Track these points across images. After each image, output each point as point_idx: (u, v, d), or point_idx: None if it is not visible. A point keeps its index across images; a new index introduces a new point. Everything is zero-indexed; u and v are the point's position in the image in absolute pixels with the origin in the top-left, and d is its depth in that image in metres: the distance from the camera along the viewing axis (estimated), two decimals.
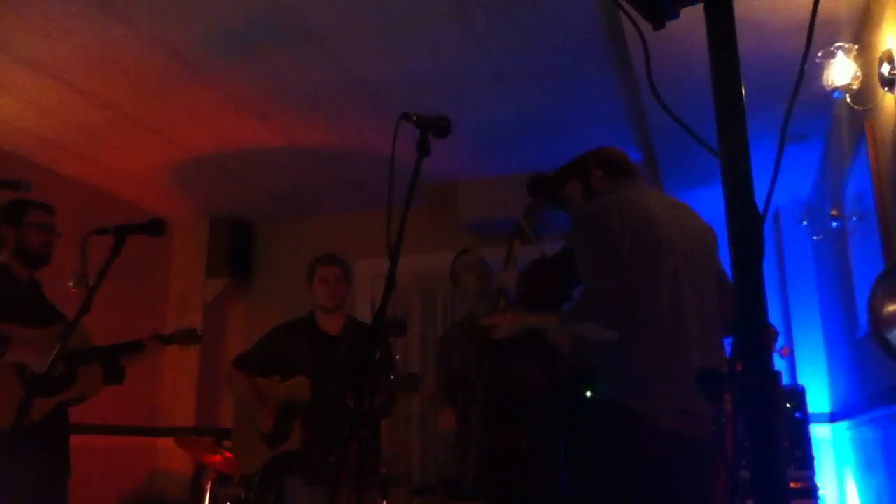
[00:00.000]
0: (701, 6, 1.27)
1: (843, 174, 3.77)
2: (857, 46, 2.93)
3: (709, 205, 5.28)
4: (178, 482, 5.76)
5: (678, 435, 2.10)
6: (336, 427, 3.43)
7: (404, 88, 4.19)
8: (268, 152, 5.14)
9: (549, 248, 2.79)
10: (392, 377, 3.25)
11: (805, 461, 3.90)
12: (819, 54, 2.92)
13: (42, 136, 4.79)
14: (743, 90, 1.35)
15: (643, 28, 1.49)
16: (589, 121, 4.60)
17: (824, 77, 2.95)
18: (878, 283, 1.18)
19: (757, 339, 1.24)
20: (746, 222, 1.31)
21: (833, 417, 4.89)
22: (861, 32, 3.13)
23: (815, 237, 4.35)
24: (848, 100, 2.96)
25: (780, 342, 4.87)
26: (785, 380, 4.92)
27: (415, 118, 2.11)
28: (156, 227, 2.56)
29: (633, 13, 1.35)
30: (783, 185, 5.04)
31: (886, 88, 2.73)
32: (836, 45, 2.89)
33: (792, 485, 3.82)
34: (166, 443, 5.81)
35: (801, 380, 4.96)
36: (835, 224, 4.03)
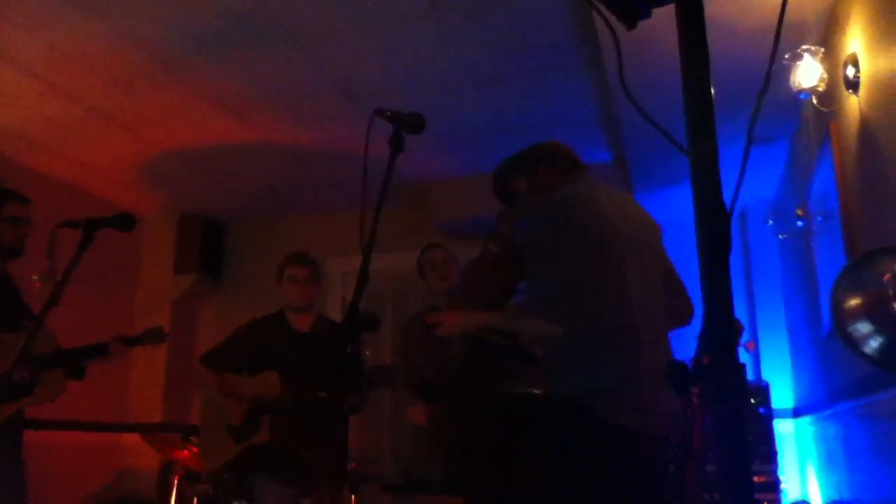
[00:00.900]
0: (672, 7, 1.29)
1: (809, 175, 3.84)
2: (823, 49, 2.99)
3: (677, 204, 5.39)
4: (145, 479, 5.70)
5: (629, 430, 2.11)
6: (305, 423, 3.43)
7: (379, 88, 4.19)
8: (241, 150, 5.11)
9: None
10: (364, 371, 3.26)
11: (769, 455, 3.97)
12: (786, 56, 2.97)
13: (12, 131, 4.73)
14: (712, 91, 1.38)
15: (616, 28, 1.52)
16: (561, 122, 4.64)
17: (791, 79, 3.00)
18: (840, 277, 1.21)
19: (724, 334, 1.27)
20: (714, 220, 1.34)
21: (796, 413, 4.98)
22: (827, 35, 3.19)
23: (780, 236, 4.42)
24: (814, 101, 3.02)
25: (745, 337, 4.95)
26: (750, 376, 5.00)
27: (388, 114, 2.12)
28: (125, 221, 2.52)
29: (606, 13, 1.37)
30: (750, 185, 5.12)
31: (851, 91, 2.79)
32: (803, 47, 2.94)
33: (756, 479, 3.89)
34: (134, 440, 5.74)
35: (766, 376, 5.05)
36: (800, 223, 4.10)
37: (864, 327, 1.14)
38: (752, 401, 4.09)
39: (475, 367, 2.82)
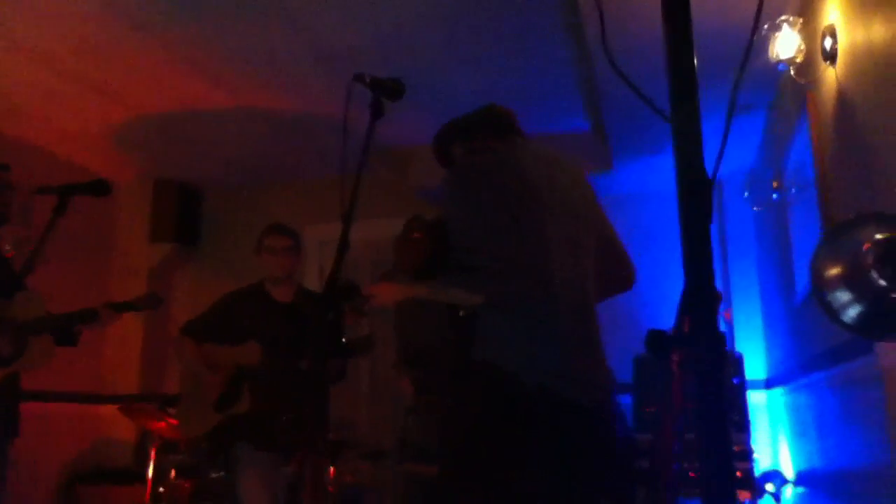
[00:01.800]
0: None
1: (785, 146, 3.87)
2: (801, 20, 2.99)
3: (657, 174, 5.41)
4: (121, 449, 5.71)
5: (550, 396, 2.10)
6: (285, 393, 3.43)
7: (357, 54, 4.15)
8: (217, 116, 5.04)
9: None
10: (343, 340, 3.26)
11: (742, 425, 4.04)
12: (765, 26, 2.97)
13: None
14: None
15: None
16: (540, 88, 4.62)
17: (769, 49, 3.01)
18: (820, 245, 1.22)
19: (705, 302, 1.28)
20: (695, 188, 1.35)
21: (769, 383, 5.06)
22: (805, 6, 3.19)
23: (755, 208, 4.45)
24: (792, 72, 3.02)
25: (722, 306, 5.01)
26: None
27: (368, 80, 2.11)
28: (101, 187, 2.52)
29: None
30: (726, 156, 5.13)
31: (828, 62, 2.80)
32: (782, 18, 2.94)
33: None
34: (110, 410, 5.72)
35: (739, 347, 5.11)
36: (775, 196, 4.13)
37: (843, 296, 1.15)
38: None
39: (453, 338, 2.84)
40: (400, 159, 5.52)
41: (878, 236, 1.11)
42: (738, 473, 3.76)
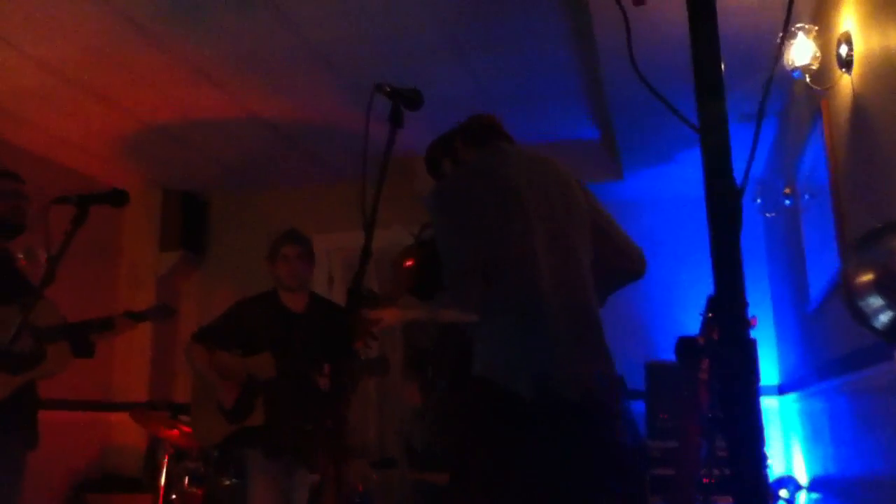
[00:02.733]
0: None
1: (798, 153, 3.86)
2: (816, 27, 3.00)
3: (666, 182, 5.41)
4: (131, 457, 5.70)
5: (546, 404, 2.09)
6: (300, 405, 3.43)
7: (362, 59, 4.15)
8: (222, 122, 5.05)
9: None
10: (361, 359, 3.25)
11: None
12: (780, 34, 2.98)
13: None
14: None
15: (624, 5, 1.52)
16: (547, 95, 4.61)
17: (784, 57, 3.01)
18: (851, 253, 1.23)
19: (734, 310, 1.28)
20: (725, 195, 1.35)
21: (781, 390, 5.05)
22: (820, 14, 3.20)
23: (767, 214, 4.44)
24: (807, 80, 3.03)
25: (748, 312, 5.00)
26: None
27: (388, 89, 2.11)
28: (119, 197, 2.53)
29: None
30: (735, 163, 5.14)
31: (844, 69, 2.80)
32: (797, 25, 2.95)
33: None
34: (119, 417, 5.72)
35: None
36: (787, 202, 4.12)
37: (874, 301, 1.15)
38: None
39: (445, 352, 2.85)
40: (404, 167, 5.52)
41: None
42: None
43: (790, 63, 3.03)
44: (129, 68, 4.28)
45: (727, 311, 1.24)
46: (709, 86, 1.36)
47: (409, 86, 2.17)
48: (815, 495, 4.13)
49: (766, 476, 1.17)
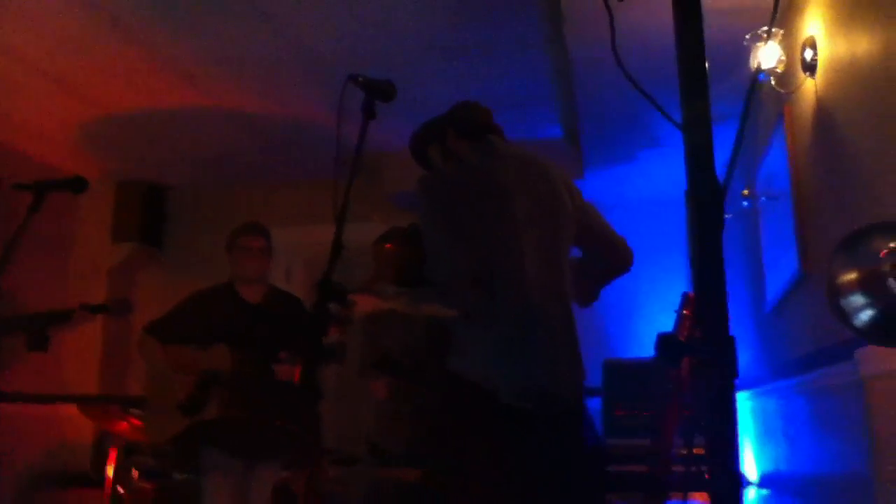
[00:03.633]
0: None
1: (758, 155, 3.92)
2: (782, 31, 3.04)
3: (629, 183, 5.45)
4: (81, 453, 5.57)
5: (518, 408, 2.10)
6: (258, 398, 3.38)
7: (338, 56, 4.10)
8: (188, 115, 4.96)
9: None
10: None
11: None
12: (747, 37, 3.02)
13: None
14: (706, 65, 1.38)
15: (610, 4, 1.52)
16: (517, 97, 4.61)
17: (751, 60, 3.05)
18: (835, 253, 1.24)
19: (716, 308, 1.28)
20: (707, 194, 1.35)
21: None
22: (786, 18, 3.24)
23: (726, 215, 4.51)
24: (773, 83, 3.07)
25: None
26: None
27: (361, 80, 2.09)
28: (77, 183, 2.47)
29: None
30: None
31: (808, 73, 2.85)
32: (763, 28, 2.99)
33: (696, 451, 3.97)
34: (69, 412, 5.55)
35: None
36: (745, 203, 4.19)
37: (857, 300, 1.17)
38: None
39: (435, 348, 2.83)
40: (374, 164, 5.48)
41: (893, 244, 1.13)
42: (705, 475, 3.79)
43: (756, 66, 3.07)
44: (96, 57, 4.18)
45: (710, 308, 1.24)
46: (693, 84, 1.36)
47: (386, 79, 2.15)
48: (764, 491, 4.21)
49: (739, 472, 1.18)
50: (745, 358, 5.00)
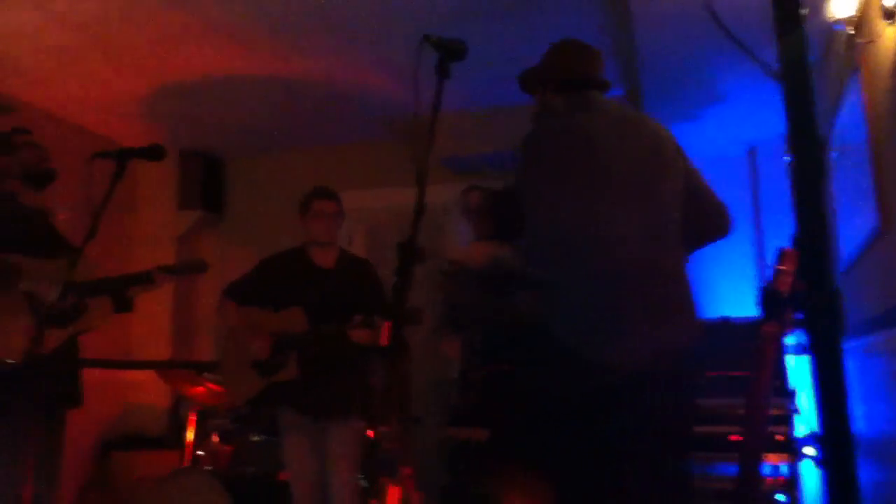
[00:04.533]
0: None
1: (831, 108, 3.81)
2: None
3: (691, 140, 5.33)
4: (153, 416, 5.74)
5: (622, 373, 2.09)
6: (332, 360, 3.44)
7: (382, 19, 4.07)
8: (241, 83, 4.98)
9: None
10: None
11: (783, 390, 4.01)
12: None
13: (4, 61, 4.58)
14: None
15: None
16: None
17: (826, 10, 2.96)
18: None
19: (819, 260, 1.26)
20: (807, 145, 1.32)
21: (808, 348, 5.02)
22: None
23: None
24: (850, 31, 2.97)
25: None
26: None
27: (434, 39, 2.08)
28: (156, 151, 2.54)
29: None
30: (760, 120, 5.08)
31: (887, 20, 2.75)
32: None
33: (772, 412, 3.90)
34: (140, 377, 5.75)
35: None
36: None
37: None
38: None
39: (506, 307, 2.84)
40: (425, 126, 5.47)
41: None
42: (779, 437, 3.76)
43: (831, 16, 2.97)
44: (150, 27, 4.22)
45: (813, 260, 1.23)
46: (787, 20, 1.33)
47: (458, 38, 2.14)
48: None
49: (850, 429, 1.17)
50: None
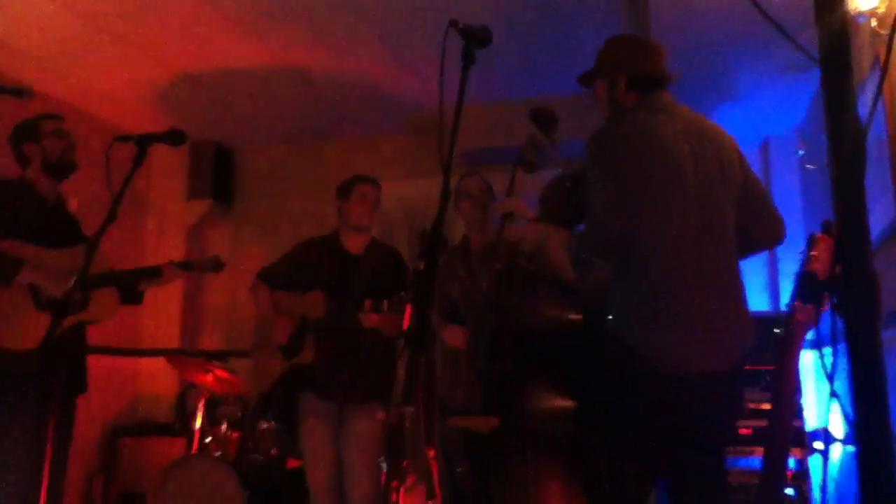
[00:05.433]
0: None
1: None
2: None
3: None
4: (162, 404, 5.74)
5: (681, 374, 2.13)
6: (348, 345, 3.44)
7: (403, 11, 4.04)
8: (253, 74, 4.98)
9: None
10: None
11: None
12: None
13: (19, 50, 4.58)
14: None
15: None
16: (590, 50, 4.53)
17: (849, 1, 2.93)
18: None
19: (856, 244, 1.26)
20: (847, 129, 1.31)
21: (818, 343, 5.00)
22: None
23: (808, 166, 4.38)
24: (873, 24, 2.95)
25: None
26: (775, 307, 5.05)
27: (461, 26, 2.07)
28: (177, 136, 2.54)
29: None
30: (774, 113, 5.06)
31: None
32: None
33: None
34: (149, 366, 5.77)
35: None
36: None
37: None
38: (777, 330, 4.10)
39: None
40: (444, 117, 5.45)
41: None
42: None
43: (854, 9, 2.95)
44: (164, 16, 4.22)
45: (853, 245, 1.22)
46: (830, 25, 1.32)
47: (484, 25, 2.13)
48: (850, 448, 4.14)
49: (889, 419, 1.16)
50: (825, 322, 4.88)
